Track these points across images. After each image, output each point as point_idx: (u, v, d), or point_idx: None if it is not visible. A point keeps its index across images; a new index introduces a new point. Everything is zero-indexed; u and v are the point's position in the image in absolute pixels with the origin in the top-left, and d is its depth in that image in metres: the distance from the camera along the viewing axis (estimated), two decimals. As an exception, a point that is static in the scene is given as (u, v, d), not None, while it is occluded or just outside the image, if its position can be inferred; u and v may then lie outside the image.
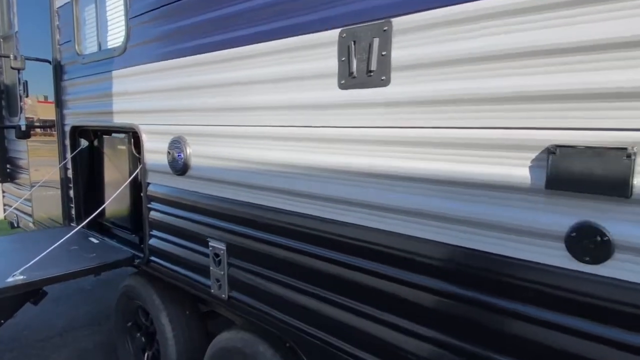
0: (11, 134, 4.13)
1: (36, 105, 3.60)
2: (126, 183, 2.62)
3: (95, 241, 2.68)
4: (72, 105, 3.02)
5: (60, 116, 3.12)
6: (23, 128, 3.62)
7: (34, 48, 3.50)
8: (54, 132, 3.29)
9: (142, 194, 2.42)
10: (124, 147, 2.68)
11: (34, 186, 3.70)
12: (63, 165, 3.15)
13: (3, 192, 4.62)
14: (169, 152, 2.12)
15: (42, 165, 3.56)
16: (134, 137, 2.63)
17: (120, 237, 2.83)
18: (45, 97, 3.36)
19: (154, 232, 2.35)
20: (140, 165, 2.38)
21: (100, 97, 2.68)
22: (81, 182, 3.06)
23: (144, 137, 2.31)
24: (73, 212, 3.13)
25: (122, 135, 2.70)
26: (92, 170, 3.08)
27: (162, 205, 2.27)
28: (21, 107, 3.85)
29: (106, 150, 2.92)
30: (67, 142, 3.11)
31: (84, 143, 3.04)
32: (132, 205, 2.68)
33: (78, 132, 3.01)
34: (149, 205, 2.37)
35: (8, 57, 3.38)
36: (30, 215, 3.84)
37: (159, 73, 2.17)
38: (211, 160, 1.94)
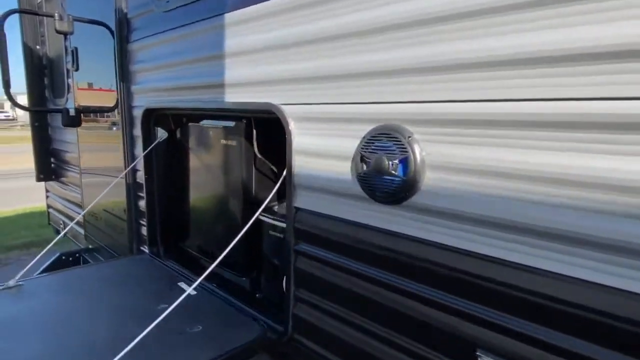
0: (56, 120, 3.24)
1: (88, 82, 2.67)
2: (236, 200, 1.62)
3: (192, 291, 1.70)
4: (144, 79, 2.03)
5: (126, 95, 2.15)
6: (72, 112, 2.64)
7: (86, 7, 2.56)
8: (114, 118, 2.34)
9: (283, 226, 1.42)
10: (234, 143, 1.67)
11: (86, 189, 2.79)
12: (131, 167, 2.19)
13: (47, 191, 3.78)
14: (362, 158, 1.08)
15: (98, 161, 2.63)
16: (250, 126, 1.62)
17: (220, 277, 1.85)
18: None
19: (306, 295, 1.34)
20: (282, 177, 1.36)
21: (194, 63, 1.68)
22: (157, 190, 2.10)
23: (294, 128, 1.29)
24: (144, 232, 2.18)
25: (230, 124, 1.70)
26: (172, 174, 2.11)
27: (330, 252, 1.24)
28: (69, 86, 2.93)
29: (197, 146, 1.94)
30: (136, 132, 2.15)
31: (161, 134, 2.06)
32: (245, 234, 1.69)
33: (154, 117, 2.03)
34: (297, 248, 1.35)
35: (52, 16, 2.43)
36: (81, 227, 2.95)
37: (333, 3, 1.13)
38: (484, 179, 0.89)
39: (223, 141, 1.72)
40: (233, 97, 1.51)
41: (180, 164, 2.05)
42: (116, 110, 2.27)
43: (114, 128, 2.35)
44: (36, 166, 3.44)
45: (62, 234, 2.24)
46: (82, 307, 1.57)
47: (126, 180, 2.22)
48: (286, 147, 1.31)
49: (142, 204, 2.17)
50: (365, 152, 1.07)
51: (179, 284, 1.71)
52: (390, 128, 1.02)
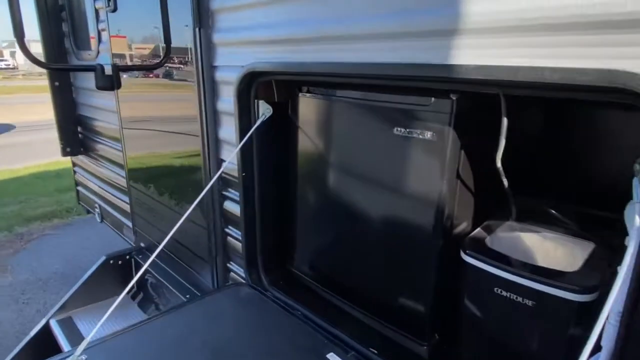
0: (86, 80, 2.52)
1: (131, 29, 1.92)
2: (418, 225, 0.98)
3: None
4: (238, 22, 1.30)
5: (204, 48, 1.43)
6: (108, 70, 1.88)
7: None
8: (178, 81, 1.63)
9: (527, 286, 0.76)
10: (424, 136, 0.98)
11: (131, 174, 2.14)
12: (213, 158, 1.51)
13: (74, 165, 3.13)
14: None
15: (154, 138, 1.94)
16: (465, 110, 0.93)
17: (380, 336, 1.23)
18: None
19: None
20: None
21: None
22: (260, 194, 1.43)
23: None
24: (235, 246, 1.54)
25: (416, 104, 0.99)
26: (284, 171, 1.43)
27: None
28: (100, 34, 2.18)
29: (337, 134, 1.24)
30: (221, 105, 1.45)
31: (265, 111, 1.36)
32: (435, 279, 1.06)
33: (257, 86, 1.32)
34: None
35: None
36: (127, 217, 2.33)
37: None
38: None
39: (399, 130, 1.03)
40: (465, 55, 0.79)
41: (300, 157, 1.36)
42: (181, 68, 1.55)
43: (184, 94, 1.64)
44: (60, 137, 2.77)
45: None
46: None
47: (205, 171, 1.55)
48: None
49: (231, 207, 1.52)
50: None
51: (328, 355, 1.09)
52: None
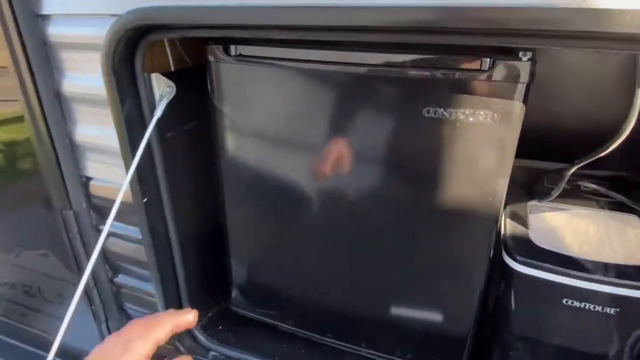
0: None
1: None
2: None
3: None
4: None
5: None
6: None
7: None
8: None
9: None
10: (475, 118, 0.65)
11: None
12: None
13: None
14: None
15: None
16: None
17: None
18: None
19: None
20: None
21: None
22: (177, 219, 0.91)
23: None
24: (158, 301, 1.02)
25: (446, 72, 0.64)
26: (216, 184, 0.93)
27: None
28: None
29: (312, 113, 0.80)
30: (75, 86, 0.83)
31: (166, 90, 0.81)
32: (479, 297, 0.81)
33: (150, 50, 0.75)
34: None
35: None
36: None
37: None
38: None
39: (431, 112, 0.67)
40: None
41: (236, 158, 0.88)
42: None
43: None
44: None
45: None
46: None
47: (57, 198, 0.93)
48: None
49: (121, 245, 0.96)
50: None
51: None
52: None
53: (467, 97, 0.65)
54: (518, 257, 0.78)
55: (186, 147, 0.90)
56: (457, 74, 0.64)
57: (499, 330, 0.87)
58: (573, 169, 0.86)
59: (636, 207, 0.86)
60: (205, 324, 1.03)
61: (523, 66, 0.61)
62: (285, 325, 1.04)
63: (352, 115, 0.74)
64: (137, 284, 0.99)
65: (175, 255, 0.94)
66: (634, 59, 0.76)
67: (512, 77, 0.62)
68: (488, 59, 0.62)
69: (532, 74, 0.62)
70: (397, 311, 0.90)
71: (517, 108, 0.63)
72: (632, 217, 0.85)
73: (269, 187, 0.86)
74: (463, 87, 0.65)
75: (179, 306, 0.99)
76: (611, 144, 0.76)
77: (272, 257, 0.96)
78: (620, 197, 0.88)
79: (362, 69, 0.69)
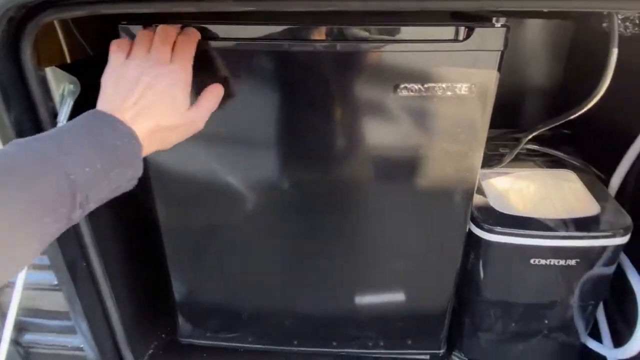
0: None
1: None
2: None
3: None
4: None
5: None
6: None
7: None
8: None
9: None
10: (465, 92, 0.61)
11: None
12: None
13: None
14: None
15: None
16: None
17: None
18: None
19: None
20: None
21: None
22: (105, 256, 0.72)
23: None
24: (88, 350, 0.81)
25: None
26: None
27: None
28: None
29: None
30: None
31: (67, 92, 0.62)
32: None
33: (39, 36, 0.56)
34: None
35: None
36: None
37: None
38: None
39: (406, 88, 0.61)
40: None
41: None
42: None
43: None
44: None
45: None
46: None
47: None
48: None
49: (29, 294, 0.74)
50: None
51: None
52: None
53: (444, 70, 0.60)
54: (485, 226, 0.78)
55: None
56: (432, 46, 0.60)
57: (469, 301, 0.88)
58: (530, 136, 0.89)
59: (570, 161, 0.93)
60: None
61: (498, 33, 0.59)
62: (245, 345, 0.92)
63: (311, 101, 0.65)
64: (54, 339, 0.78)
65: (105, 294, 0.75)
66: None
67: (489, 45, 0.59)
68: (463, 28, 0.58)
69: (507, 41, 0.59)
70: (368, 302, 0.86)
71: (494, 77, 0.61)
72: (567, 172, 0.91)
73: (208, 192, 0.73)
74: (438, 60, 0.60)
75: (116, 352, 0.81)
76: (578, 111, 0.78)
77: (219, 272, 0.83)
78: (555, 153, 0.95)
79: (319, 46, 0.60)
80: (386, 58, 0.60)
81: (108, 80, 0.52)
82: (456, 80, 0.60)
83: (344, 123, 0.66)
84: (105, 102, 0.50)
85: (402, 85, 0.61)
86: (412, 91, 0.61)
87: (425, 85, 0.61)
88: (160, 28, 0.55)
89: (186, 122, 0.54)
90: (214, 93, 0.58)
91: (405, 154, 0.68)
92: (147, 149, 0.50)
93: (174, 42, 0.54)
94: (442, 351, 0.90)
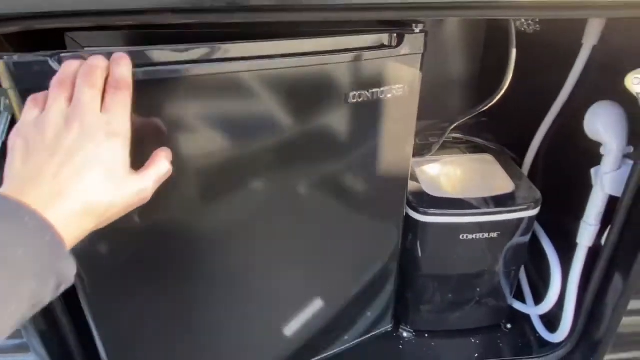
0: None
1: None
2: None
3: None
4: None
5: None
6: None
7: None
8: None
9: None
10: (401, 93, 0.68)
11: None
12: None
13: None
14: None
15: None
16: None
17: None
18: None
19: None
20: None
21: None
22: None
23: None
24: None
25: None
26: None
27: None
28: None
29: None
30: None
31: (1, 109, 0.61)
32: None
33: None
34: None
35: None
36: None
37: None
38: None
39: (356, 95, 0.66)
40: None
41: None
42: None
43: None
44: None
45: None
46: None
47: None
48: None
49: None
50: None
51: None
52: None
53: (384, 74, 0.66)
54: (421, 209, 0.87)
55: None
56: (373, 54, 0.64)
57: (411, 278, 0.97)
58: (452, 126, 0.99)
59: (489, 147, 1.05)
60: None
61: (420, 37, 0.66)
62: None
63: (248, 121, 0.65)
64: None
65: (57, 307, 0.75)
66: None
67: (415, 49, 0.66)
68: (395, 35, 0.65)
69: (426, 44, 0.67)
70: (326, 305, 0.87)
71: (419, 77, 0.69)
72: (487, 156, 1.03)
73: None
74: (379, 66, 0.66)
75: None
76: (489, 103, 0.88)
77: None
78: (476, 141, 1.06)
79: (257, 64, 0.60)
80: (335, 69, 0.63)
81: (15, 149, 0.38)
82: (394, 83, 0.67)
83: (297, 136, 0.67)
84: (11, 181, 0.36)
85: (352, 94, 0.65)
86: (360, 98, 0.66)
87: (371, 91, 0.66)
88: (86, 62, 0.41)
89: (128, 194, 0.40)
90: (166, 153, 0.47)
91: (351, 155, 0.73)
92: (75, 238, 0.37)
93: (106, 78, 0.42)
94: (390, 326, 0.98)
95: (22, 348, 0.74)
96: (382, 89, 0.66)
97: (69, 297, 0.73)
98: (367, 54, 0.64)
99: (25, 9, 0.52)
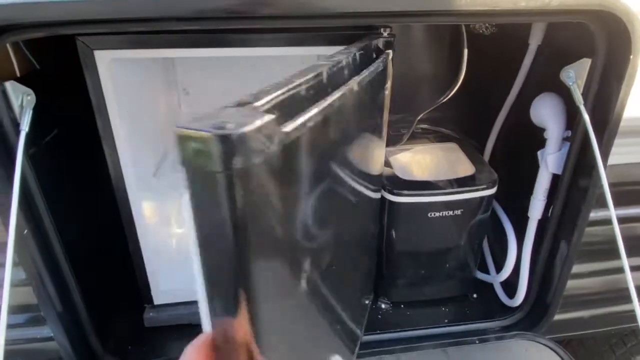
0: None
1: None
2: None
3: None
4: None
5: None
6: None
7: None
8: None
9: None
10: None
11: None
12: None
13: None
14: None
15: None
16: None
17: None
18: None
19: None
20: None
21: None
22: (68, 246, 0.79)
23: None
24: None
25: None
26: None
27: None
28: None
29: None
30: None
31: (25, 102, 0.69)
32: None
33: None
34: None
35: None
36: None
37: None
38: None
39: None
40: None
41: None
42: None
43: None
44: None
45: None
46: None
47: None
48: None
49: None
50: None
51: None
52: None
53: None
54: (394, 191, 0.98)
55: (56, 160, 0.79)
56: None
57: (387, 255, 1.08)
58: (418, 117, 1.11)
59: (453, 135, 1.17)
60: (114, 348, 0.95)
61: (390, 40, 0.77)
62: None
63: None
64: (21, 333, 0.84)
65: (70, 284, 0.83)
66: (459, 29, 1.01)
67: (389, 50, 0.77)
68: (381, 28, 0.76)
69: (394, 46, 0.78)
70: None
71: (391, 74, 0.80)
72: (452, 144, 1.15)
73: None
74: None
75: (84, 338, 0.89)
76: (445, 97, 1.01)
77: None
78: (442, 130, 1.18)
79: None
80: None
81: None
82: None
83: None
84: None
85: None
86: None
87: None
88: None
89: None
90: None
91: (346, 151, 0.82)
92: None
93: None
94: (370, 297, 1.09)
95: (37, 321, 0.82)
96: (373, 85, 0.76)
97: (81, 272, 0.82)
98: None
99: (50, 18, 0.60)
